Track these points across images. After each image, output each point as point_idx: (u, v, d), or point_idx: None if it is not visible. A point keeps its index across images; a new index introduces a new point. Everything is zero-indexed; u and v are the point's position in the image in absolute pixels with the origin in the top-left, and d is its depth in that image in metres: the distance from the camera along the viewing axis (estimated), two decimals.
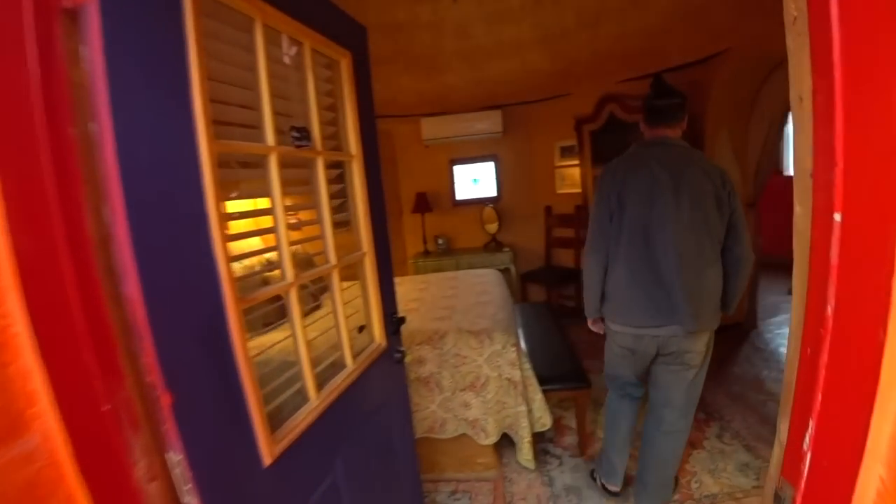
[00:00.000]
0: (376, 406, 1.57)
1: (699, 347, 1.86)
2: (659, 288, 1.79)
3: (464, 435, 2.38)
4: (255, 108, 1.12)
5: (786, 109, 3.44)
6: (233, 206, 1.14)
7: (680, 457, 2.11)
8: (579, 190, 4.54)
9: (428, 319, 2.64)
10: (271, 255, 1.28)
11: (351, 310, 1.51)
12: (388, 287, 1.70)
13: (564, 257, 4.98)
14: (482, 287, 3.24)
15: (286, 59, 1.24)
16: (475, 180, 5.21)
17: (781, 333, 3.96)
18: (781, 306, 4.54)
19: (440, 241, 5.16)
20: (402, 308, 2.97)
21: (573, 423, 2.74)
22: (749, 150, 3.83)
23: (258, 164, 1.13)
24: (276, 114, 1.17)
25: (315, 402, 1.23)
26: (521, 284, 4.95)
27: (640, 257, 1.81)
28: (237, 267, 1.24)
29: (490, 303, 2.83)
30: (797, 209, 0.61)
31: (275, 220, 1.15)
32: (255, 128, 1.12)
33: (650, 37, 3.71)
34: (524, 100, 4.83)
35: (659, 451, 2.03)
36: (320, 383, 1.28)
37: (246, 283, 1.19)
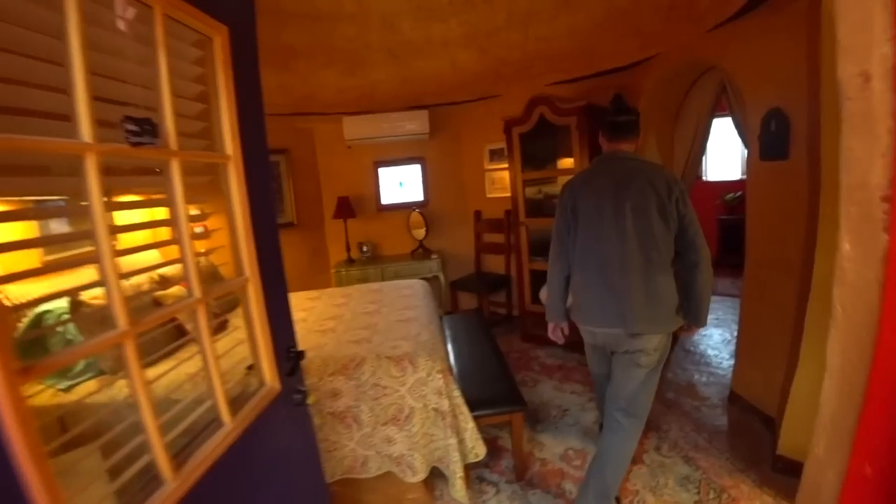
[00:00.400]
0: (272, 462, 1.27)
1: (649, 348, 1.94)
2: (608, 292, 1.93)
3: (390, 472, 2.10)
4: (65, 90, 0.79)
5: (709, 116, 3.45)
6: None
7: (621, 466, 2.02)
8: (509, 194, 4.39)
9: (345, 343, 2.34)
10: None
11: (237, 345, 1.20)
12: (282, 316, 1.40)
13: (495, 263, 4.83)
14: (407, 301, 2.98)
15: (120, 25, 0.91)
16: (401, 184, 4.93)
17: (708, 335, 4.01)
18: None
19: (365, 249, 4.84)
20: (317, 329, 2.68)
21: (510, 444, 2.54)
22: (675, 156, 3.85)
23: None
24: (103, 100, 0.85)
25: (172, 486, 0.91)
26: (450, 293, 4.74)
27: (592, 265, 1.97)
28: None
29: (414, 320, 2.57)
30: (846, 248, 0.40)
31: (97, 243, 0.82)
32: (69, 119, 0.80)
33: (580, 39, 3.63)
34: (452, 100, 4.63)
35: (601, 450, 2.04)
36: (182, 454, 0.97)
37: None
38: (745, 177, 6.17)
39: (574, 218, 2.03)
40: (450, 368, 2.06)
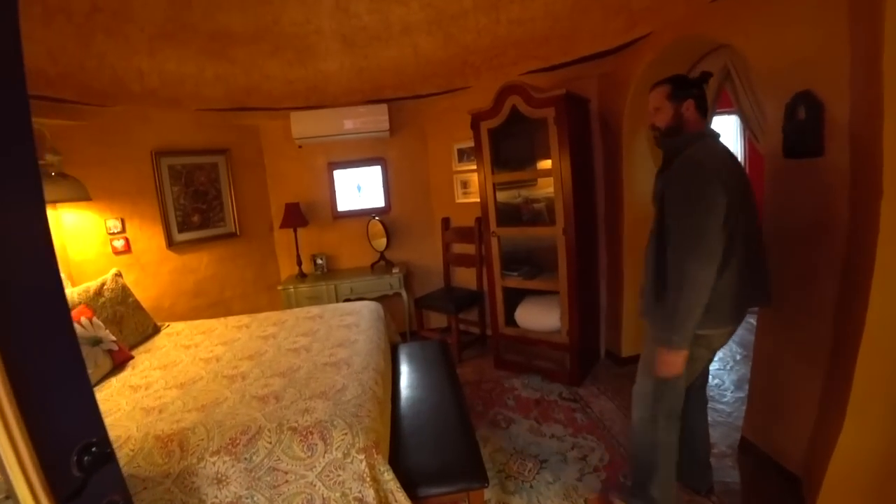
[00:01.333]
0: None
1: None
2: (749, 276, 1.73)
3: None
4: None
5: (712, 106, 2.94)
6: None
7: None
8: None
9: (248, 399, 1.77)
10: None
11: None
12: (71, 392, 0.83)
13: (466, 277, 4.28)
14: (344, 334, 2.42)
15: None
16: (359, 188, 4.36)
17: None
18: None
19: (319, 262, 4.26)
20: (228, 373, 2.09)
21: None
22: None
23: None
24: None
25: None
26: (416, 311, 4.17)
27: (743, 258, 1.69)
28: None
29: (345, 364, 2.01)
30: None
31: None
32: None
33: (558, 21, 3.12)
34: (416, 93, 4.07)
35: (702, 426, 2.12)
36: None
37: None
38: None
39: (728, 207, 1.61)
40: (376, 445, 1.49)
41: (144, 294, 3.46)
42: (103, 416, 0.83)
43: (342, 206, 4.36)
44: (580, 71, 3.39)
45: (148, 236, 3.54)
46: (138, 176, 3.49)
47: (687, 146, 1.70)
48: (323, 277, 4.09)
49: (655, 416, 1.87)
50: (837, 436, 1.69)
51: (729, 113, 5.61)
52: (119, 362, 2.41)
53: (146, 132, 3.53)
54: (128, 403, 1.92)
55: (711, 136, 1.76)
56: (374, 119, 3.99)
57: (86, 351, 2.24)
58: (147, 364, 2.39)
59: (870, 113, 1.52)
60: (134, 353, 2.60)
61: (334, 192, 4.33)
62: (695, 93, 1.75)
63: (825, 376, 1.89)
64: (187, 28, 3.19)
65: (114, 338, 2.47)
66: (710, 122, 3.00)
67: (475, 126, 3.38)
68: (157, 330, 2.99)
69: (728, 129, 5.77)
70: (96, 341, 2.33)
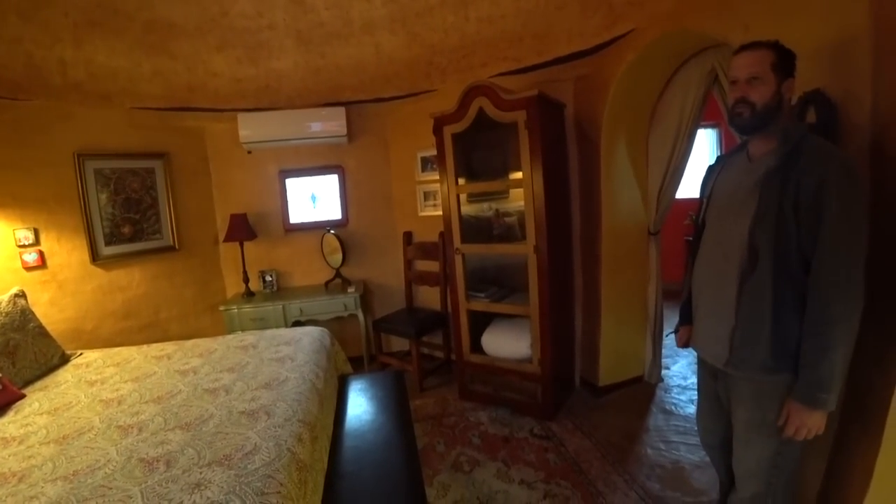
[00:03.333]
0: None
1: None
2: None
3: None
4: None
5: (695, 118, 2.69)
6: None
7: None
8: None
9: (132, 464, 1.39)
10: None
11: None
12: None
13: (430, 297, 3.93)
14: (276, 369, 2.04)
15: None
16: (314, 198, 3.99)
17: (689, 388, 3.22)
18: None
19: (268, 279, 3.86)
20: (120, 422, 1.69)
21: None
22: (651, 165, 3.09)
23: None
24: None
25: None
26: (374, 335, 3.80)
27: None
28: None
29: (264, 412, 1.63)
30: None
31: None
32: None
33: (532, 18, 2.88)
34: (377, 96, 3.76)
35: None
36: None
37: None
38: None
39: None
40: None
41: (61, 315, 3.03)
42: None
43: (294, 217, 3.97)
44: (555, 73, 3.12)
45: (67, 249, 3.10)
46: (57, 181, 3.06)
47: (804, 137, 1.32)
48: (272, 297, 3.69)
49: (774, 488, 1.48)
50: (860, 498, 1.41)
51: (705, 126, 5.49)
52: (1, 405, 1.98)
53: (68, 131, 3.10)
54: None
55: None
56: (330, 123, 3.64)
57: None
58: (36, 406, 1.97)
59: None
60: (28, 390, 2.17)
61: (286, 202, 3.94)
62: (794, 74, 1.37)
63: (839, 423, 1.61)
64: (120, 15, 2.81)
65: None
66: (681, 128, 2.77)
67: (438, 131, 3.07)
68: (64, 360, 2.55)
69: (703, 143, 5.64)
70: None
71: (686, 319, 1.80)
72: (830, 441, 1.63)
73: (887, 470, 1.35)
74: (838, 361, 1.24)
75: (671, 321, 3.99)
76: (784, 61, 1.35)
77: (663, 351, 3.43)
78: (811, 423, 1.30)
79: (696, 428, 2.67)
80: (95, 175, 3.23)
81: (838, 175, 1.22)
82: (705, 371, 1.71)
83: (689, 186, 5.59)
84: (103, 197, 3.27)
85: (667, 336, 3.39)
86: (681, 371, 3.52)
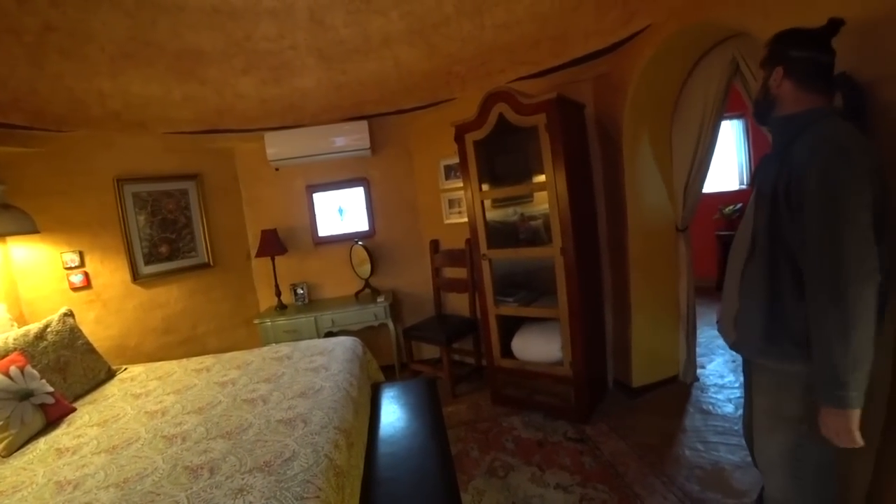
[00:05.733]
0: None
1: None
2: None
3: None
4: None
5: (719, 109, 2.65)
6: None
7: None
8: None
9: (178, 472, 1.45)
10: None
11: None
12: None
13: (459, 303, 3.95)
14: (311, 378, 2.09)
15: None
16: (341, 211, 4.07)
17: (728, 386, 3.14)
18: (714, 344, 3.79)
19: (299, 291, 3.95)
20: (165, 432, 1.77)
21: None
22: (675, 160, 3.05)
23: None
24: None
25: None
26: (405, 343, 3.83)
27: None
28: None
29: (301, 421, 1.67)
30: None
31: None
32: None
33: (548, 21, 2.90)
34: (399, 108, 3.82)
35: None
36: None
37: None
38: (744, 186, 5.50)
39: (876, 205, 1.18)
40: None
41: (106, 333, 3.17)
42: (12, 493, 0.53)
43: (323, 231, 4.06)
44: (574, 75, 3.12)
45: (110, 270, 3.25)
46: (99, 205, 3.21)
47: (808, 125, 1.27)
48: (304, 309, 3.77)
49: (801, 484, 1.41)
50: None
51: (729, 117, 5.38)
52: (55, 418, 2.10)
53: (108, 158, 3.27)
54: (45, 475, 1.60)
55: (836, 114, 1.31)
56: (354, 137, 3.72)
57: (10, 408, 1.93)
58: (86, 419, 2.07)
59: None
60: (78, 404, 2.29)
61: (314, 216, 4.04)
62: (793, 55, 1.32)
63: (885, 417, 1.55)
64: (152, 47, 2.96)
65: (51, 389, 2.15)
66: (705, 121, 2.72)
67: (459, 139, 3.10)
68: (111, 375, 2.67)
69: (728, 135, 5.52)
70: (25, 395, 2.02)
71: None
72: (878, 437, 1.58)
73: None
74: (843, 354, 1.15)
75: (704, 319, 3.92)
76: (773, 52, 1.35)
77: (698, 349, 3.36)
78: (840, 426, 1.20)
79: (735, 427, 2.63)
80: (133, 198, 3.38)
81: (828, 158, 1.18)
82: (743, 361, 1.69)
83: (718, 180, 5.50)
84: (141, 219, 3.41)
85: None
86: (717, 370, 3.44)
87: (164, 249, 3.51)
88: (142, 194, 3.42)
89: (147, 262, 3.42)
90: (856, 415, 1.18)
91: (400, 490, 1.69)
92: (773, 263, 1.32)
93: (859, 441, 1.20)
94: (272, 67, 3.40)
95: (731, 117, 5.40)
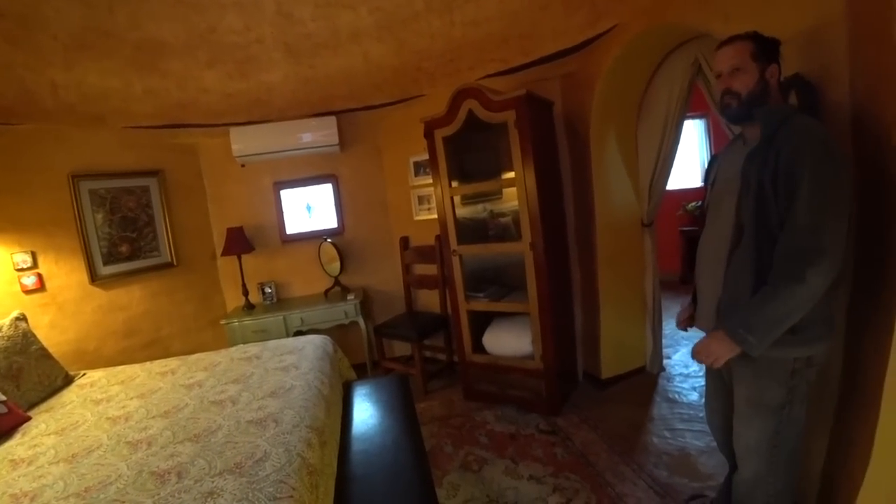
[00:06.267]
0: None
1: None
2: None
3: None
4: None
5: (682, 108, 2.73)
6: None
7: None
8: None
9: (144, 478, 1.40)
10: None
11: None
12: None
13: (430, 300, 3.95)
14: (281, 378, 2.06)
15: None
16: (309, 208, 4.01)
17: (693, 376, 3.25)
18: (679, 335, 3.91)
19: (267, 290, 3.88)
20: (129, 438, 1.71)
21: None
22: (640, 157, 3.13)
23: None
24: None
25: None
26: (376, 340, 3.81)
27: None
28: None
29: (272, 420, 1.64)
30: None
31: None
32: None
33: (517, 19, 2.91)
34: (367, 104, 3.79)
35: None
36: None
37: None
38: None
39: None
40: None
41: (62, 337, 3.03)
42: None
43: (291, 228, 3.99)
44: (542, 72, 3.16)
45: (66, 271, 3.11)
46: (53, 203, 3.06)
47: (787, 118, 1.35)
48: (272, 308, 3.70)
49: (775, 466, 1.52)
50: (863, 471, 1.43)
51: (692, 117, 5.54)
52: (8, 428, 1.99)
53: (62, 153, 3.12)
54: None
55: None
56: (322, 133, 3.67)
57: None
58: (43, 428, 1.98)
59: (881, 92, 1.29)
60: (33, 412, 2.18)
61: (282, 213, 3.96)
62: (778, 56, 1.42)
63: (838, 397, 1.63)
64: (110, 36, 2.83)
65: (3, 397, 2.06)
66: (669, 119, 2.80)
67: (429, 135, 3.10)
68: (68, 381, 2.56)
69: (691, 134, 5.69)
70: None
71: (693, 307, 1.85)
72: (831, 418, 1.66)
73: (887, 440, 1.37)
74: (774, 314, 1.30)
75: (670, 311, 4.03)
76: (764, 49, 1.39)
77: (664, 341, 3.46)
78: (716, 349, 1.40)
79: (700, 415, 2.72)
80: (91, 196, 3.24)
81: (810, 145, 1.26)
82: None
83: (680, 177, 5.66)
84: (99, 217, 3.27)
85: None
86: (682, 359, 3.55)
87: (124, 249, 3.38)
88: (100, 191, 3.28)
89: (106, 263, 3.29)
90: (735, 352, 1.38)
91: (374, 487, 1.68)
92: (760, 253, 1.37)
93: (717, 366, 1.43)
94: (238, 61, 3.31)
95: (693, 117, 5.56)
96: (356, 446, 1.95)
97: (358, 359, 3.76)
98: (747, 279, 1.39)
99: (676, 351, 3.70)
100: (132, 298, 3.42)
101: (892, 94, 1.24)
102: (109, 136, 3.33)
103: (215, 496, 1.23)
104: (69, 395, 2.35)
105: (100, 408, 2.10)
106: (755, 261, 1.37)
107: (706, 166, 1.78)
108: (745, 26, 1.45)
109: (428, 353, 3.89)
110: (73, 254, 3.13)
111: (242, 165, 3.82)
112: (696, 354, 1.45)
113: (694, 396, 2.99)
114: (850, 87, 1.43)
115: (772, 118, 1.36)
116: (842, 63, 1.44)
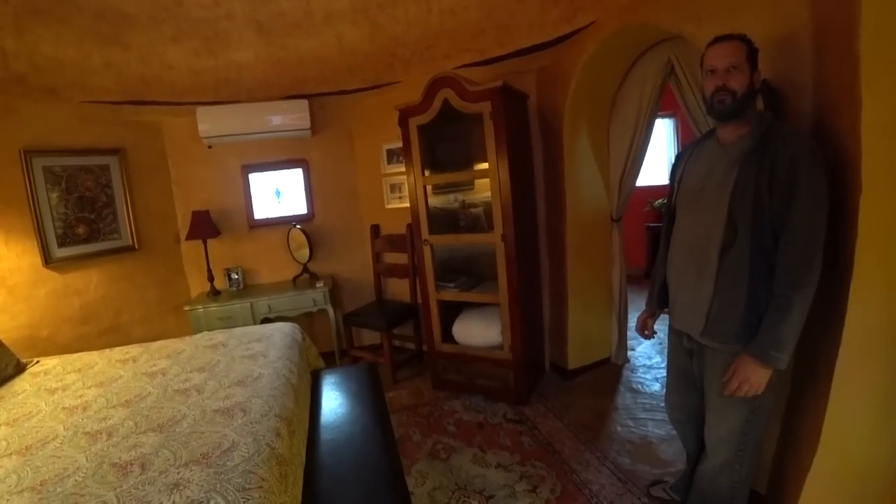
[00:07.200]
0: None
1: None
2: None
3: None
4: None
5: (653, 107, 2.79)
6: None
7: None
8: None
9: (104, 469, 1.35)
10: None
11: None
12: None
13: (400, 289, 3.94)
14: (248, 366, 2.02)
15: None
16: (279, 193, 3.93)
17: (654, 367, 3.36)
18: None
19: (234, 276, 3.78)
20: (87, 428, 1.64)
21: None
22: (612, 153, 3.18)
23: None
24: None
25: None
26: (345, 329, 3.78)
27: None
28: None
29: (240, 410, 1.61)
30: None
31: None
32: None
33: (494, 10, 2.89)
34: (341, 88, 3.71)
35: None
36: None
37: None
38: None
39: None
40: None
41: (13, 323, 2.88)
42: None
43: (259, 213, 3.90)
44: (518, 65, 3.16)
45: (17, 253, 2.94)
46: (2, 180, 2.89)
47: (771, 122, 1.40)
48: (238, 295, 3.62)
49: (742, 454, 1.59)
50: (811, 457, 1.51)
51: (662, 116, 5.66)
52: None
53: (12, 126, 2.93)
54: None
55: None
56: (293, 116, 3.59)
57: None
58: None
59: (841, 102, 1.35)
60: None
61: (250, 198, 3.86)
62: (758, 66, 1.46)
63: (790, 388, 1.72)
64: (66, 3, 2.66)
65: None
66: (640, 118, 2.87)
67: (403, 123, 3.07)
68: (20, 369, 2.43)
69: (660, 133, 5.81)
70: None
71: (654, 306, 1.89)
72: (783, 407, 1.75)
73: (835, 426, 1.45)
74: (795, 324, 1.34)
75: (635, 304, 4.14)
76: (753, 54, 1.43)
77: (628, 333, 3.55)
78: (755, 379, 1.40)
79: (661, 405, 2.81)
80: (45, 173, 3.07)
81: (806, 155, 1.31)
82: (680, 350, 1.78)
83: (649, 174, 5.79)
84: (54, 196, 3.11)
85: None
86: (645, 351, 3.66)
87: (81, 230, 3.23)
88: (55, 169, 3.12)
89: (61, 245, 3.13)
90: (770, 374, 1.41)
91: (343, 476, 1.67)
92: (754, 250, 1.41)
93: (761, 390, 1.43)
94: (206, 37, 3.18)
95: (663, 116, 5.68)
96: (325, 435, 1.94)
97: (326, 347, 3.72)
98: (743, 279, 1.43)
99: (640, 343, 3.81)
100: (89, 282, 3.28)
101: (850, 104, 1.30)
102: (66, 111, 3.16)
103: (181, 488, 1.20)
104: (21, 383, 2.24)
105: (55, 397, 2.01)
106: (750, 261, 1.41)
107: (674, 164, 1.81)
108: (716, 30, 1.48)
109: (397, 343, 3.89)
110: (24, 234, 2.97)
111: (209, 147, 3.70)
112: (737, 391, 1.44)
113: (656, 387, 3.09)
114: (814, 96, 1.48)
115: (762, 122, 1.40)
116: (806, 72, 1.49)
